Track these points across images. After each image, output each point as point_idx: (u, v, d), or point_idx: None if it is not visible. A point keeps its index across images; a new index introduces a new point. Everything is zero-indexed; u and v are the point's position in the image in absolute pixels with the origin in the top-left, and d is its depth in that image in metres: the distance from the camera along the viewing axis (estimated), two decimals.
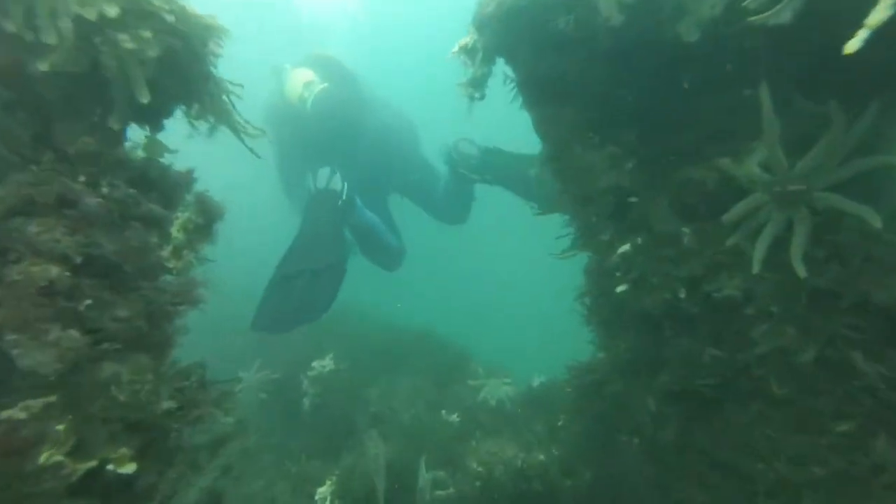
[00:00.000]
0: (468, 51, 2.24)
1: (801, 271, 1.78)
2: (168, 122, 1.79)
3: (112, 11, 1.43)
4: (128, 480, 1.43)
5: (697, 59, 2.07)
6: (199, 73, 1.70)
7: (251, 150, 1.86)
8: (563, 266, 2.76)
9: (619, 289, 2.45)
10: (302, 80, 5.37)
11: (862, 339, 1.86)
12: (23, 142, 1.51)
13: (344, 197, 4.67)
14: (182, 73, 1.69)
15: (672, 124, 2.31)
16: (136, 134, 1.78)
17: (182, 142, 1.80)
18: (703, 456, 2.38)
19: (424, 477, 3.35)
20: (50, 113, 1.59)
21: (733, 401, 2.27)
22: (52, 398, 1.37)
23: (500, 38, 2.17)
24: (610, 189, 2.36)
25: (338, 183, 4.71)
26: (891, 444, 1.86)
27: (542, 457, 3.38)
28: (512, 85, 2.54)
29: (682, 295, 2.29)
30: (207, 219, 1.67)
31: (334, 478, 3.54)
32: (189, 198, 1.71)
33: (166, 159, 1.71)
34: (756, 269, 1.87)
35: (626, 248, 2.42)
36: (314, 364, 4.99)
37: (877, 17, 1.18)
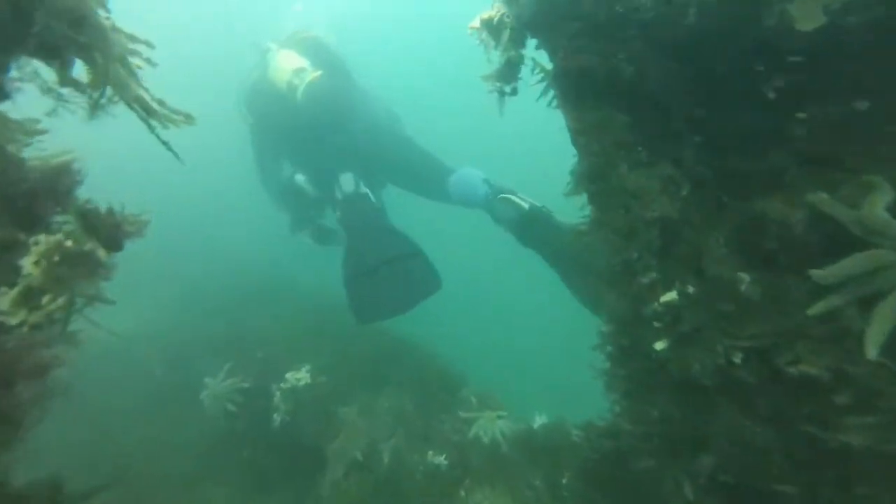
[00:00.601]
0: (492, 27, 1.69)
1: None
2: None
3: None
4: None
5: (796, 56, 1.56)
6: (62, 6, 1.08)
7: (166, 144, 1.31)
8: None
9: (659, 345, 1.95)
10: (291, 66, 4.96)
11: None
12: None
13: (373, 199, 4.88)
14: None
15: (746, 142, 1.80)
16: None
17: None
18: None
19: None
20: None
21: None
22: None
23: (540, 13, 1.61)
24: (658, 220, 1.84)
25: (362, 188, 4.86)
26: None
27: None
28: (541, 76, 2.02)
29: (738, 360, 1.79)
30: (97, 244, 1.08)
31: None
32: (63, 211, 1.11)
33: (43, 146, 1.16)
34: (872, 353, 1.36)
35: (672, 295, 1.90)
36: (288, 376, 4.50)
37: None
